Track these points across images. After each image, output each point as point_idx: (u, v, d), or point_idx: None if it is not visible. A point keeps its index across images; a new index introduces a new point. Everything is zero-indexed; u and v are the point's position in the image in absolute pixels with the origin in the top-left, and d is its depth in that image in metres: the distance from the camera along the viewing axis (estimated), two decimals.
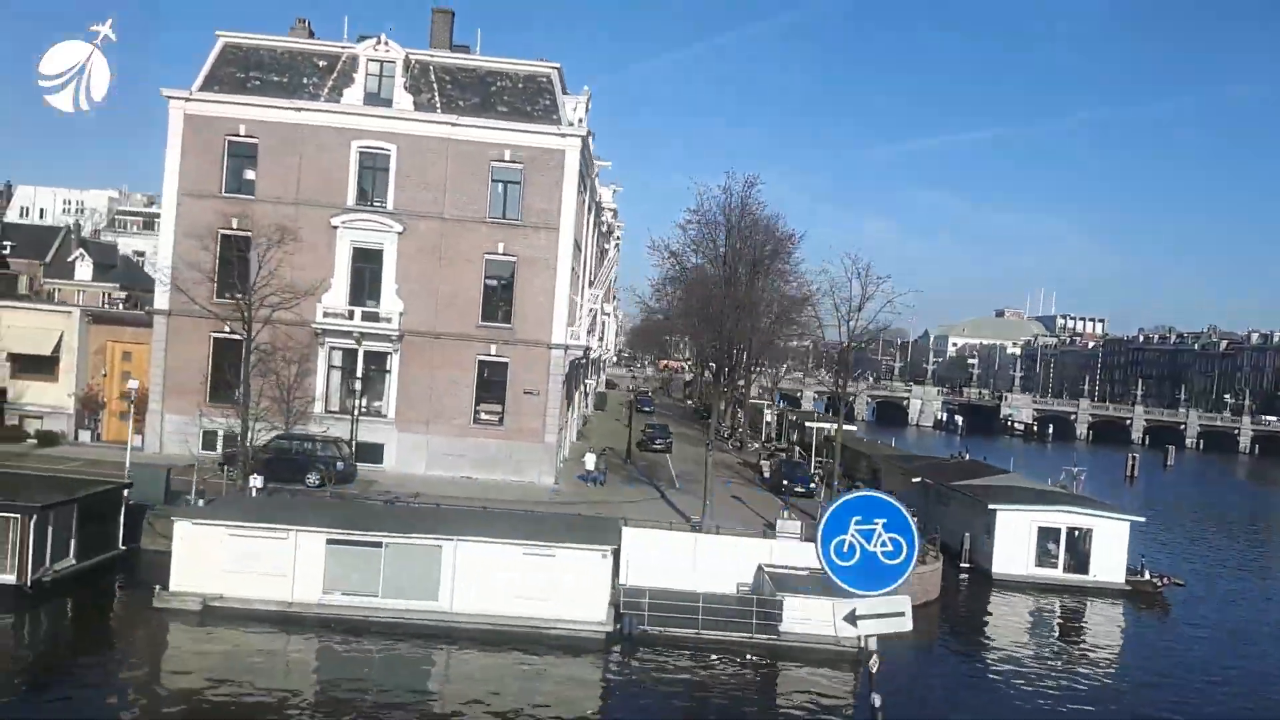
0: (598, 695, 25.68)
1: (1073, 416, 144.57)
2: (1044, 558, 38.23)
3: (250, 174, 41.49)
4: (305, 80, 42.17)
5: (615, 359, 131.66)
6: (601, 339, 67.87)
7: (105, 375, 42.45)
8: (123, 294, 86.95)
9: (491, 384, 42.11)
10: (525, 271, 41.83)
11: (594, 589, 26.67)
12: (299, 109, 41.01)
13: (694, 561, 30.04)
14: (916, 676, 28.31)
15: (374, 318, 41.19)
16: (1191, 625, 36.40)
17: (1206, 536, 59.94)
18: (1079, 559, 38.17)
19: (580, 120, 45.60)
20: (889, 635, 8.60)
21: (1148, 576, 38.82)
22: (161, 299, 41.35)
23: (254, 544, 26.42)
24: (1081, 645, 33.07)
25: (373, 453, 40.84)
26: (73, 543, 27.98)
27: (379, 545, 26.60)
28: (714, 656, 26.80)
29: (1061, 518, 38.35)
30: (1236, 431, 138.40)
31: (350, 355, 41.49)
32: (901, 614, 8.48)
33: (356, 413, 40.41)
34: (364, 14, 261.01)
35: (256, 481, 32.56)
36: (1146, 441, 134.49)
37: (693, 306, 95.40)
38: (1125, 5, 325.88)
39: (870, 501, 8.41)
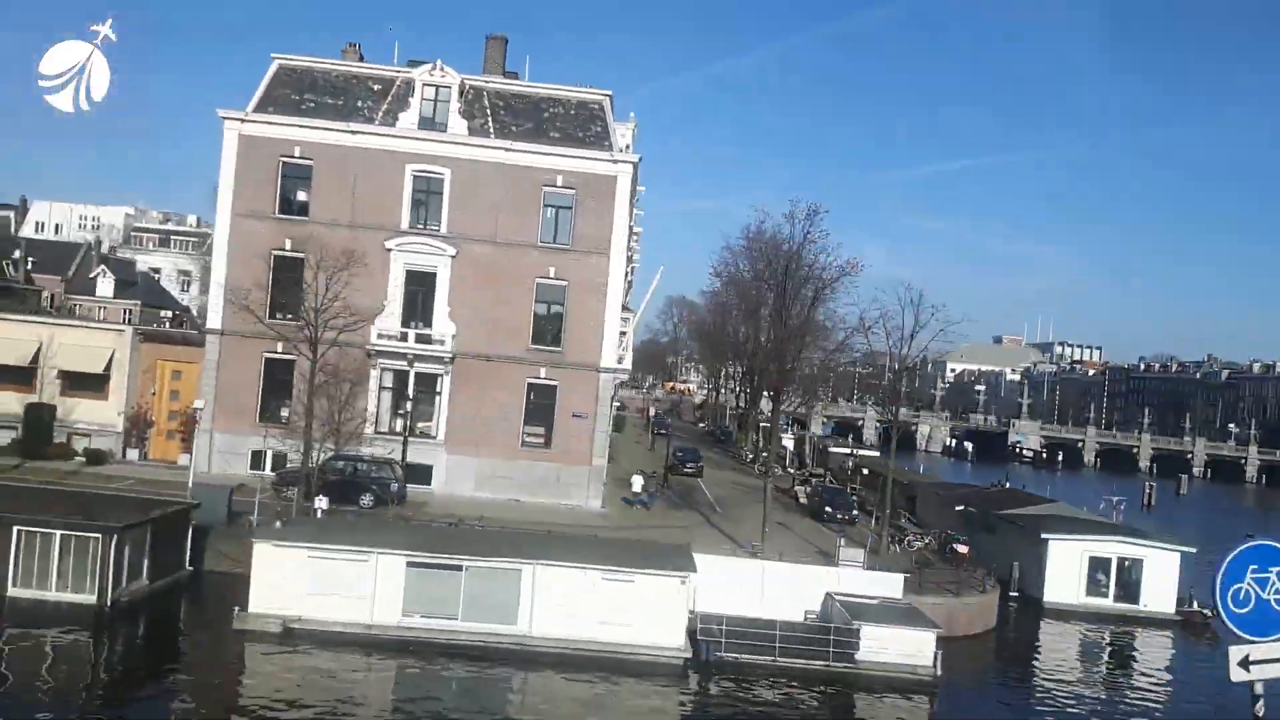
0: None
1: (1080, 444, 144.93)
2: (1094, 587, 38.39)
3: (304, 195, 41.79)
4: (360, 103, 42.54)
5: (623, 381, 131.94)
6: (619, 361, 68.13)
7: (155, 394, 42.49)
8: (135, 307, 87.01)
9: (540, 407, 42.26)
10: (576, 296, 42.09)
11: (672, 614, 26.77)
12: (354, 132, 41.35)
13: (761, 588, 30.11)
14: (982, 703, 28.49)
15: (426, 340, 41.39)
16: None
17: None
18: (1130, 589, 38.35)
19: (627, 146, 46.03)
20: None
21: (1196, 607, 38.97)
22: (214, 318, 41.53)
23: (334, 566, 26.49)
24: (1140, 676, 33.23)
25: (421, 474, 40.91)
26: (145, 563, 28.00)
27: (459, 568, 26.69)
28: (791, 683, 26.89)
29: (1113, 547, 38.57)
30: (1243, 461, 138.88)
31: (401, 377, 41.64)
32: None
33: (407, 434, 40.50)
34: (409, 39, 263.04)
35: (321, 503, 32.65)
36: (1154, 470, 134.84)
37: (715, 332, 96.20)
38: (1122, 34, 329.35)
39: (1266, 550, 8.73)
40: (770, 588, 30.26)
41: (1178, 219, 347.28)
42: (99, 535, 26.06)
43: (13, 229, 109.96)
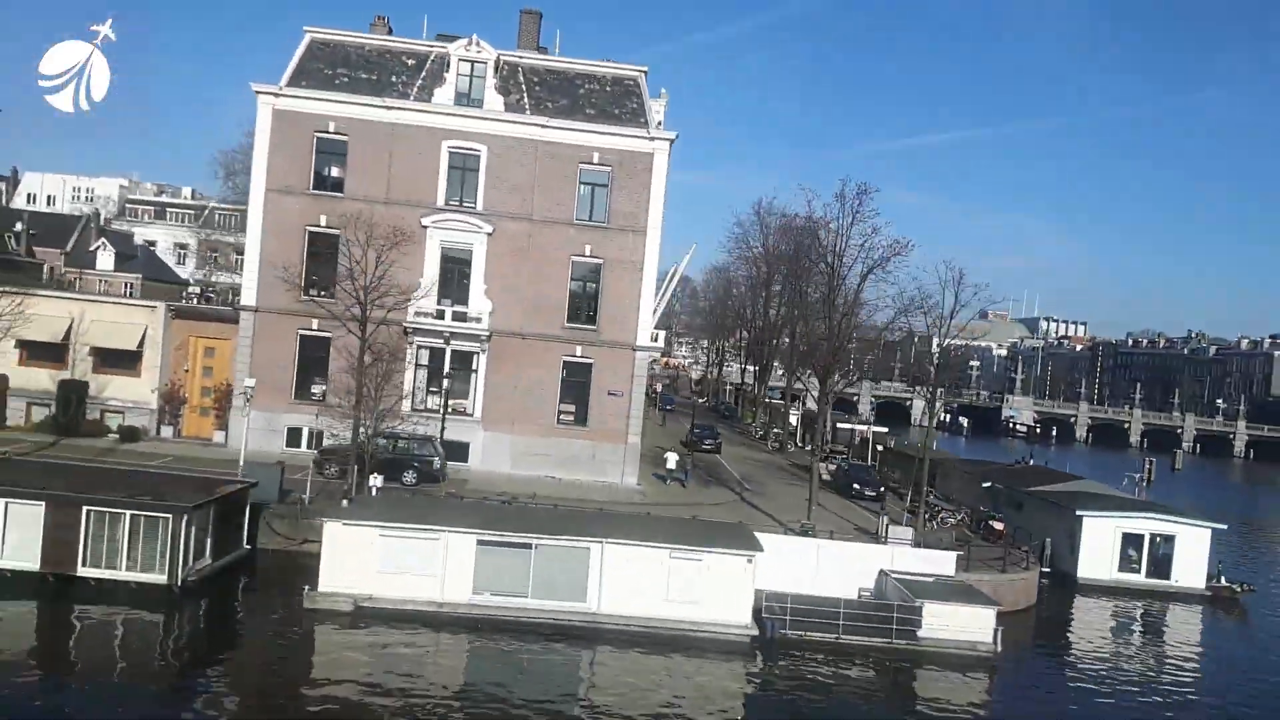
0: (745, 697, 26.04)
1: (1072, 419, 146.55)
2: (1126, 563, 39.03)
3: (338, 171, 41.47)
4: (394, 78, 42.15)
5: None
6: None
7: (188, 370, 42.24)
8: (136, 280, 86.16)
9: (575, 385, 42.35)
10: (611, 274, 42.08)
11: (739, 593, 27.05)
12: (390, 107, 41.00)
13: (816, 566, 30.47)
14: (1041, 679, 29.02)
15: (462, 318, 41.30)
16: (1270, 630, 37.35)
17: (1259, 542, 61.25)
18: (1161, 565, 39.00)
19: (659, 123, 45.82)
20: None
21: (1224, 582, 39.74)
22: (249, 295, 41.24)
23: (405, 545, 26.59)
24: (1180, 651, 33.80)
25: (458, 451, 40.96)
26: (209, 543, 28.00)
27: (529, 546, 26.85)
28: (854, 660, 27.27)
29: (1145, 524, 39.19)
30: (1232, 436, 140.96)
31: (438, 354, 41.60)
32: None
33: (445, 412, 40.50)
34: (436, 11, 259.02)
35: (376, 481, 32.67)
36: (1144, 445, 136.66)
37: (716, 306, 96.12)
38: (1104, 8, 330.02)
39: None
40: (825, 565, 30.63)
41: (1158, 197, 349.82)
42: (169, 515, 26.04)
43: (4, 200, 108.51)
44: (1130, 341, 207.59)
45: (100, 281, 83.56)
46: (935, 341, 39.57)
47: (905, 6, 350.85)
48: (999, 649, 27.60)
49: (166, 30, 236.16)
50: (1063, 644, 33.28)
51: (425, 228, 41.07)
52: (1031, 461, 64.00)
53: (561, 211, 41.77)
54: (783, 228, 72.19)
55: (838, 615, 27.45)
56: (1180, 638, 35.78)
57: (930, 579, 29.70)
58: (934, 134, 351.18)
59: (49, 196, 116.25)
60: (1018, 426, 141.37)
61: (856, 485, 46.68)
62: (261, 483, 31.53)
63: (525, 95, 42.35)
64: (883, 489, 46.75)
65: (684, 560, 26.95)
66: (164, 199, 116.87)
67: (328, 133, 41.12)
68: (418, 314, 40.82)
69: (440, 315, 41.14)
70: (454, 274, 41.73)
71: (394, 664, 25.08)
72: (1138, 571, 38.99)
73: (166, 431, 41.75)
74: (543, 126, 41.40)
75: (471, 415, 41.85)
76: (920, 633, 27.43)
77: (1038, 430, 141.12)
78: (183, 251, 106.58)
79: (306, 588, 26.58)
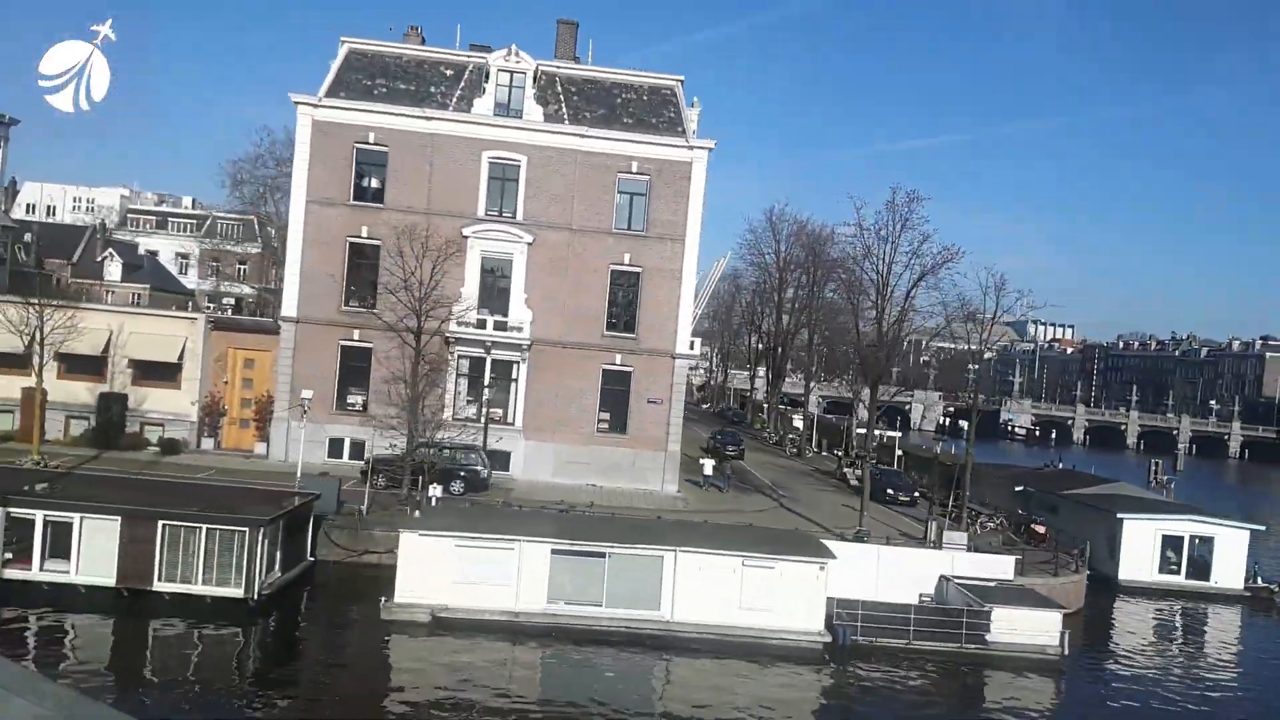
0: (821, 704, 26.27)
1: (1070, 422, 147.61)
2: (1166, 565, 39.47)
3: (378, 182, 41.54)
4: (433, 89, 42.28)
5: None
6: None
7: (227, 382, 42.16)
8: (144, 290, 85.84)
9: (615, 393, 42.52)
10: (650, 282, 42.29)
11: (812, 600, 27.25)
12: (430, 118, 41.11)
13: (877, 572, 30.72)
14: (1106, 682, 29.33)
15: (503, 327, 41.41)
16: None
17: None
18: (1201, 566, 39.46)
19: (693, 132, 46.06)
20: None
21: (1260, 583, 40.24)
22: (289, 306, 41.23)
23: (481, 554, 26.66)
24: (1231, 653, 34.24)
25: (500, 460, 41.06)
26: (278, 555, 27.99)
27: (602, 555, 26.98)
28: (925, 666, 27.53)
29: (1185, 526, 39.66)
30: (1226, 437, 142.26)
31: (478, 364, 41.69)
32: None
33: (487, 421, 40.58)
34: (468, 22, 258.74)
35: (436, 490, 32.73)
36: (1141, 446, 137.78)
37: (723, 311, 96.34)
38: (1104, 8, 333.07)
39: None
40: (886, 571, 30.88)
41: (1157, 197, 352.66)
42: (245, 529, 26.02)
43: (2, 209, 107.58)
44: (1121, 344, 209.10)
45: (107, 292, 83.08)
46: (971, 348, 39.70)
47: (905, 6, 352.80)
48: (1065, 652, 27.91)
49: (166, 30, 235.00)
50: (1118, 646, 33.64)
51: (466, 238, 41.15)
52: (1060, 465, 64.53)
53: (601, 221, 41.97)
54: (797, 234, 72.73)
55: (908, 621, 27.69)
56: (1228, 639, 36.23)
57: (992, 583, 30.00)
58: (935, 135, 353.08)
59: (49, 207, 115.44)
60: (1016, 430, 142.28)
61: (890, 490, 46.96)
62: (323, 495, 31.53)
63: (563, 105, 42.54)
64: (916, 494, 47.09)
65: (757, 568, 27.14)
66: (165, 208, 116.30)
67: (368, 144, 41.19)
68: (459, 324, 40.89)
69: (481, 325, 41.24)
70: (494, 284, 41.86)
71: (472, 674, 25.18)
72: (1177, 573, 39.44)
73: (207, 444, 41.62)
74: (582, 136, 41.61)
75: (513, 424, 41.95)
76: (989, 637, 27.69)
77: (1036, 433, 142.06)
78: (184, 261, 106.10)
79: (384, 599, 26.61)
